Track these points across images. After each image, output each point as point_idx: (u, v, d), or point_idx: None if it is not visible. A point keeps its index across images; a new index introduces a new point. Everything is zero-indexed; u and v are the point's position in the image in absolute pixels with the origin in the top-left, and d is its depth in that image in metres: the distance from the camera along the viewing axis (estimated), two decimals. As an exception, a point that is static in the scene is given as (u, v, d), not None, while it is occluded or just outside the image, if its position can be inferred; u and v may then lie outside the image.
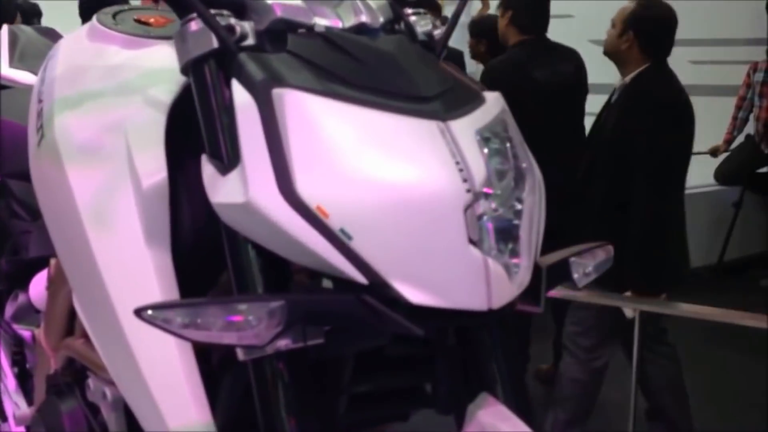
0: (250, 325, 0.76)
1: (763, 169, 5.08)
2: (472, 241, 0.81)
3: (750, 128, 5.10)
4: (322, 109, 0.81)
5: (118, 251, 0.97)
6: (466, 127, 0.85)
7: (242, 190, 0.81)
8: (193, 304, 0.76)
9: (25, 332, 1.63)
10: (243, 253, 0.89)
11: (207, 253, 0.97)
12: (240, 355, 0.88)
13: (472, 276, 0.81)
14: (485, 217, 0.83)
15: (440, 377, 1.06)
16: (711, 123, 4.52)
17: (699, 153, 3.58)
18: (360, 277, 0.79)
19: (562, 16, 4.12)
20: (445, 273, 0.80)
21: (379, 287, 0.80)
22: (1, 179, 1.69)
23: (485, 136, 0.86)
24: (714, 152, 5.02)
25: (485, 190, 0.83)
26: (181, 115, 0.99)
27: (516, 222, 0.87)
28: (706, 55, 5.62)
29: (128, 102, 1.04)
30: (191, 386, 0.94)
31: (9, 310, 1.74)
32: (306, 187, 0.79)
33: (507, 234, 0.86)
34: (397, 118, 0.83)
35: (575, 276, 0.98)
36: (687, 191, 3.59)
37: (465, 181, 0.81)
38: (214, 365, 1.00)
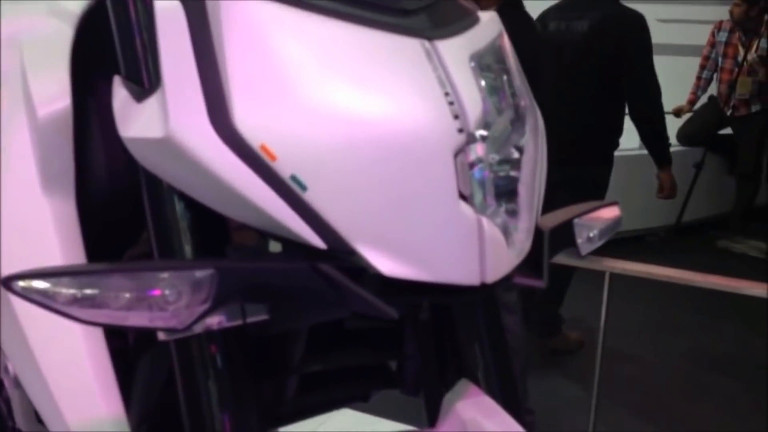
0: (166, 302, 0.57)
1: (726, 130, 5.00)
2: (462, 196, 0.62)
3: (714, 89, 5.00)
4: (272, 17, 0.61)
5: (9, 198, 0.76)
6: (458, 50, 0.66)
7: (161, 120, 0.60)
8: (85, 272, 0.56)
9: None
10: (166, 204, 0.70)
11: (125, 203, 0.77)
12: (160, 334, 0.69)
13: (463, 241, 0.62)
14: (479, 166, 0.64)
15: (408, 354, 0.90)
16: (676, 83, 4.42)
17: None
18: (317, 240, 0.60)
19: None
20: (428, 236, 0.61)
21: (341, 254, 0.61)
22: None
23: (482, 64, 0.67)
24: (677, 113, 4.92)
25: (480, 131, 0.64)
26: (96, 28, 0.78)
27: (514, 174, 0.69)
28: (673, 13, 5.50)
29: (28, 10, 0.82)
30: (97, 371, 0.75)
31: None
32: (247, 120, 0.59)
33: (504, 188, 0.68)
34: (371, 34, 0.62)
35: (579, 241, 0.81)
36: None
37: (456, 117, 0.62)
38: (130, 343, 0.81)
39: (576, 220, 0.80)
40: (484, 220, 0.63)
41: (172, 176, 0.65)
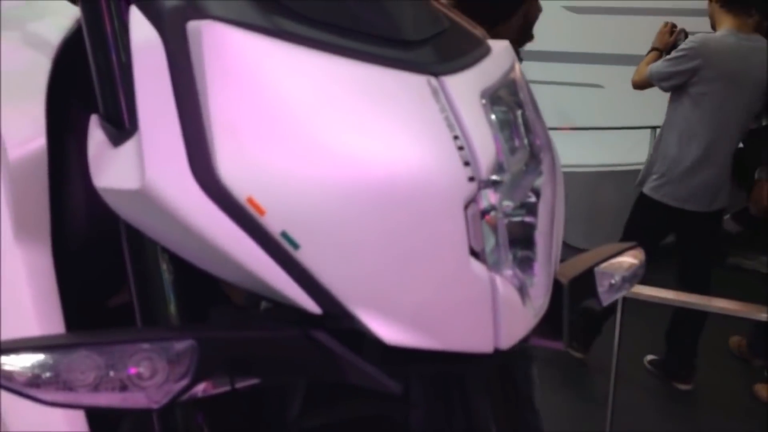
0: (140, 378, 0.50)
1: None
2: (474, 252, 0.56)
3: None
4: (261, 53, 0.54)
5: None
6: (467, 86, 0.59)
7: (137, 170, 0.53)
8: (46, 347, 0.49)
9: None
10: (149, 258, 0.63)
11: (107, 249, 0.70)
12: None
13: (475, 304, 0.55)
14: (492, 216, 0.58)
15: (415, 403, 0.83)
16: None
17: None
18: (310, 305, 0.53)
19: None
20: (437, 300, 0.55)
21: (338, 319, 0.54)
22: None
23: (494, 99, 0.61)
24: None
25: (495, 178, 0.58)
26: (76, 59, 0.72)
27: (529, 220, 0.62)
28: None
29: (1, 39, 0.76)
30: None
31: None
32: (233, 169, 0.52)
33: (518, 237, 0.61)
34: (370, 70, 0.56)
35: (600, 290, 0.74)
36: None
37: (467, 164, 0.56)
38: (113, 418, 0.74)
39: (596, 268, 0.73)
40: (498, 279, 0.56)
41: (153, 230, 0.58)
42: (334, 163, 0.53)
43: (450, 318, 0.55)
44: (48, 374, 0.48)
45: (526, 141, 0.63)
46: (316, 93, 0.54)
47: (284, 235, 0.52)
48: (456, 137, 0.56)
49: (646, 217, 3.16)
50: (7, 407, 0.67)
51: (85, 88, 0.68)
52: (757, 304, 2.20)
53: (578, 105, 4.13)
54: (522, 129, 0.63)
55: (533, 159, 0.64)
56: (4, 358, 0.47)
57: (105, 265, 0.74)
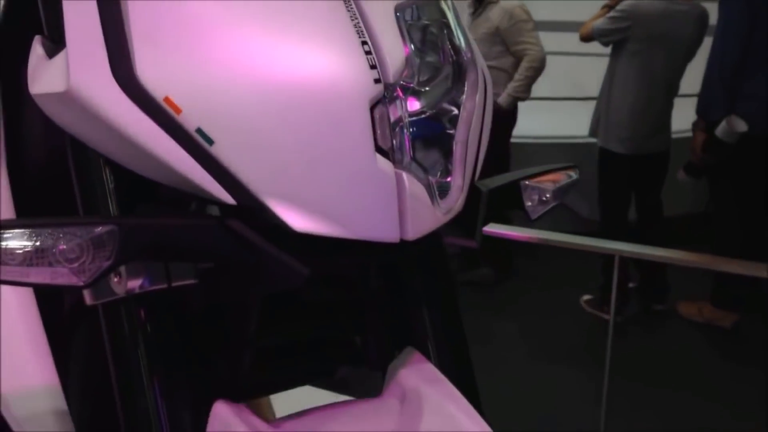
0: (66, 258, 0.55)
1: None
2: (381, 150, 0.60)
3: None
4: None
5: None
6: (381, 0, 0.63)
7: (64, 75, 0.58)
8: None
9: None
10: (92, 166, 0.68)
11: (58, 173, 0.76)
12: (87, 298, 0.67)
13: (380, 196, 0.60)
14: (405, 121, 0.62)
15: (369, 328, 0.87)
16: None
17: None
18: (225, 196, 0.58)
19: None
20: (343, 191, 0.59)
21: (251, 210, 0.59)
22: None
23: (410, 16, 0.64)
24: None
25: (404, 83, 0.62)
26: None
27: (450, 131, 0.66)
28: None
29: None
30: (30, 339, 0.74)
31: None
32: (150, 72, 0.57)
33: (435, 145, 0.65)
34: None
35: (528, 204, 0.78)
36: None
37: (373, 67, 0.60)
38: (64, 312, 0.79)
39: (524, 182, 0.77)
40: (405, 175, 0.60)
41: (82, 134, 0.63)
42: (246, 65, 0.57)
43: (357, 209, 0.59)
44: None
45: (452, 58, 0.67)
46: (230, 1, 0.58)
47: (199, 131, 0.57)
48: (364, 42, 0.60)
49: (605, 168, 3.54)
50: None
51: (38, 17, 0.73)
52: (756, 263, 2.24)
53: (592, 75, 4.12)
54: (447, 46, 0.67)
55: (457, 75, 0.68)
56: None
57: (56, 189, 0.79)
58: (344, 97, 0.58)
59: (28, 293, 0.75)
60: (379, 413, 0.71)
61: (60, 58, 0.60)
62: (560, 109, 5.25)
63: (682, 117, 3.78)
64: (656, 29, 3.31)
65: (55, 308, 0.78)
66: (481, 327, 3.43)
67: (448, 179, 0.65)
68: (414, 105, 0.63)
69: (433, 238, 0.64)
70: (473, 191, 0.69)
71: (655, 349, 3.34)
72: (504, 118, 3.70)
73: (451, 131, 0.66)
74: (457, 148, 0.66)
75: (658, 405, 2.83)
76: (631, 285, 3.72)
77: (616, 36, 3.40)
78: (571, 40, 4.17)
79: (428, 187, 0.62)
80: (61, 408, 0.74)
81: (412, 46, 0.63)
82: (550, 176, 0.80)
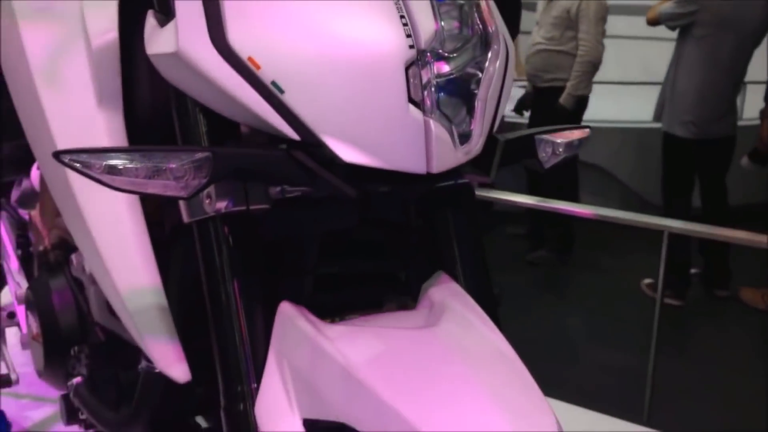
0: (175, 176, 0.74)
1: None
2: (413, 102, 0.76)
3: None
4: None
5: (70, 113, 0.96)
6: None
7: (173, 39, 0.78)
8: (114, 150, 0.74)
9: (27, 216, 1.66)
10: (190, 112, 0.87)
11: (165, 121, 0.95)
12: (185, 216, 0.87)
13: (411, 137, 0.76)
14: (435, 80, 0.78)
15: (412, 264, 1.03)
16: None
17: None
18: (291, 133, 0.76)
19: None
20: (382, 132, 0.76)
21: (311, 144, 0.76)
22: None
23: None
24: None
25: (434, 50, 0.78)
26: None
27: (474, 89, 0.82)
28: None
29: None
30: (140, 251, 0.94)
31: (14, 194, 1.78)
32: (238, 37, 0.75)
33: (461, 99, 0.81)
34: None
35: (541, 155, 0.93)
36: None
37: (408, 36, 0.76)
38: (167, 234, 0.99)
39: (538, 136, 0.92)
40: (432, 122, 0.77)
41: (183, 83, 0.82)
42: (311, 32, 0.75)
43: (393, 146, 0.76)
44: (116, 164, 0.72)
45: (480, 30, 0.83)
46: None
47: (274, 83, 0.75)
48: (402, 16, 0.76)
49: (670, 153, 3.57)
50: (84, 201, 0.92)
51: None
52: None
53: (664, 60, 4.16)
54: (476, 20, 0.83)
55: (485, 45, 0.83)
56: (88, 156, 0.72)
57: (164, 135, 0.98)
58: (385, 58, 0.75)
59: (138, 212, 0.95)
60: (410, 318, 0.88)
61: (170, 26, 0.79)
62: (627, 93, 5.29)
63: (753, 104, 3.80)
64: (723, 14, 3.34)
65: (159, 227, 0.98)
66: (543, 308, 3.55)
67: (471, 129, 0.82)
68: (443, 68, 0.80)
69: (463, 186, 0.81)
70: (491, 140, 0.85)
71: (715, 334, 3.39)
72: (572, 114, 3.77)
73: (475, 90, 0.82)
74: (479, 104, 0.82)
75: (713, 389, 2.87)
76: (693, 271, 3.77)
77: (683, 20, 3.45)
78: (639, 24, 4.21)
79: (451, 133, 0.79)
80: (163, 304, 0.94)
81: (443, 23, 0.79)
82: (564, 133, 0.95)
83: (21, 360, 1.72)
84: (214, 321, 0.86)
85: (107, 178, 0.72)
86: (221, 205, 0.82)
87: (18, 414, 2.00)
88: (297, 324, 0.83)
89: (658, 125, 4.15)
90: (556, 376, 2.53)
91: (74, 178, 0.93)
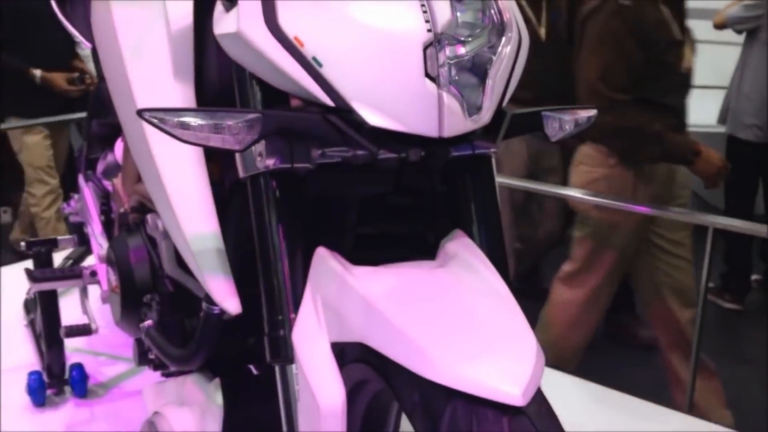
0: (231, 132, 0.90)
1: None
2: (429, 77, 0.91)
3: None
4: None
5: (150, 83, 1.14)
6: None
7: (235, 22, 0.94)
8: (185, 109, 0.91)
9: (111, 186, 1.87)
10: (247, 84, 1.03)
11: (228, 91, 1.12)
12: (241, 172, 1.03)
13: (426, 106, 0.91)
14: (451, 60, 0.92)
15: (438, 228, 1.17)
16: None
17: None
18: (327, 100, 0.91)
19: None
20: (401, 101, 0.90)
21: (343, 110, 0.92)
22: (93, 48, 1.91)
23: None
24: None
25: (450, 34, 0.92)
26: None
27: (487, 68, 0.96)
28: None
29: None
30: (204, 203, 1.11)
31: (100, 166, 1.99)
32: (286, 20, 0.91)
33: (474, 78, 0.94)
34: None
35: (549, 130, 1.06)
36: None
37: (427, 21, 0.91)
38: (226, 191, 1.16)
39: (545, 112, 1.05)
40: (444, 94, 0.91)
41: (242, 59, 0.98)
42: (347, 15, 0.90)
43: (411, 113, 0.91)
44: (185, 121, 0.89)
45: (495, 19, 0.97)
46: None
47: (314, 59, 0.90)
48: (423, 5, 0.91)
49: (733, 156, 3.50)
50: (159, 160, 1.10)
51: None
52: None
53: (726, 63, 4.18)
54: (492, 9, 0.97)
55: (500, 31, 0.97)
56: (164, 113, 0.89)
57: (225, 100, 1.14)
58: (405, 38, 0.90)
59: (203, 171, 1.12)
60: (427, 266, 1.02)
61: (233, 11, 0.96)
62: (692, 97, 5.26)
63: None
64: None
65: (221, 186, 1.15)
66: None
67: (481, 102, 0.95)
68: (458, 50, 0.93)
69: (482, 157, 0.95)
70: (500, 115, 0.99)
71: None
72: None
73: (487, 69, 0.96)
74: (489, 81, 0.95)
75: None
76: (755, 277, 3.77)
77: (750, 24, 3.52)
78: (707, 28, 4.23)
79: (462, 105, 0.92)
80: (221, 248, 1.11)
81: (458, 13, 0.93)
82: (571, 111, 1.08)
83: (100, 323, 1.94)
84: (261, 261, 1.02)
85: (178, 132, 0.89)
86: (270, 162, 0.98)
87: (95, 369, 2.21)
88: (329, 264, 0.98)
89: (722, 129, 4.16)
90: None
91: (152, 138, 1.11)
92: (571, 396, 2.24)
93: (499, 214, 1.10)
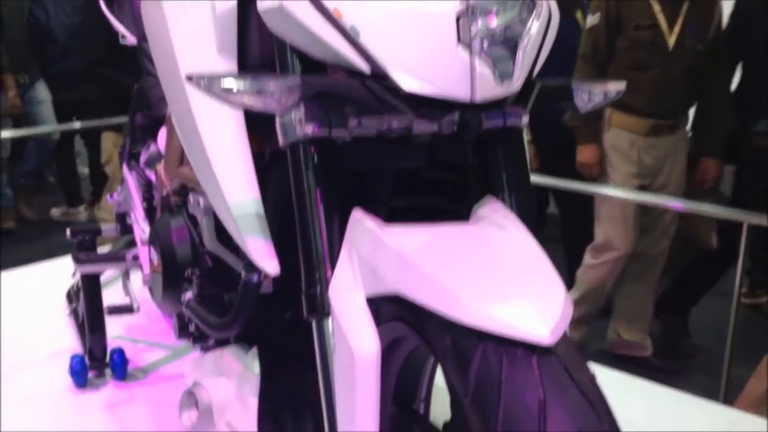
0: (272, 96, 0.96)
1: None
2: (462, 44, 0.95)
3: None
4: None
5: (197, 60, 1.20)
6: None
7: None
8: (229, 74, 0.97)
9: (153, 176, 1.95)
10: (288, 57, 1.09)
11: (268, 68, 1.18)
12: (281, 140, 1.09)
13: (459, 72, 0.95)
14: (484, 31, 0.97)
15: (471, 201, 1.21)
16: None
17: None
18: (365, 66, 0.96)
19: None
20: (435, 67, 0.95)
21: (380, 77, 0.97)
22: (138, 42, 1.99)
23: None
24: None
25: (487, 8, 0.96)
26: None
27: (517, 42, 1.00)
28: None
29: None
30: (245, 170, 1.17)
31: (143, 157, 2.07)
32: None
33: (505, 48, 0.99)
34: None
35: (578, 101, 1.10)
36: None
37: None
38: (267, 160, 1.22)
39: (575, 85, 1.09)
40: (477, 61, 0.96)
41: (284, 32, 1.04)
42: None
43: (444, 78, 0.95)
44: (230, 86, 0.94)
45: None
46: None
47: (352, 28, 0.96)
48: None
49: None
50: (204, 131, 1.16)
51: None
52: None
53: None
54: None
55: (529, 8, 1.01)
56: (210, 78, 0.95)
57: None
58: (439, 8, 0.95)
59: (245, 141, 1.18)
60: (460, 225, 1.06)
61: None
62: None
63: None
64: None
65: (261, 156, 1.21)
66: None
67: (512, 70, 1.00)
68: (491, 22, 0.98)
69: (511, 128, 1.00)
70: (530, 84, 1.03)
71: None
72: None
73: (518, 40, 1.00)
74: (519, 53, 1.00)
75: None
76: None
77: None
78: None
79: (493, 71, 0.97)
80: (261, 213, 1.17)
81: None
82: (600, 83, 1.12)
83: (143, 311, 2.01)
84: (299, 222, 1.07)
85: (223, 96, 0.95)
86: (308, 128, 1.03)
87: (134, 355, 2.29)
88: (364, 223, 1.03)
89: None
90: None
91: (197, 110, 1.17)
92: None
93: (530, 183, 1.15)
